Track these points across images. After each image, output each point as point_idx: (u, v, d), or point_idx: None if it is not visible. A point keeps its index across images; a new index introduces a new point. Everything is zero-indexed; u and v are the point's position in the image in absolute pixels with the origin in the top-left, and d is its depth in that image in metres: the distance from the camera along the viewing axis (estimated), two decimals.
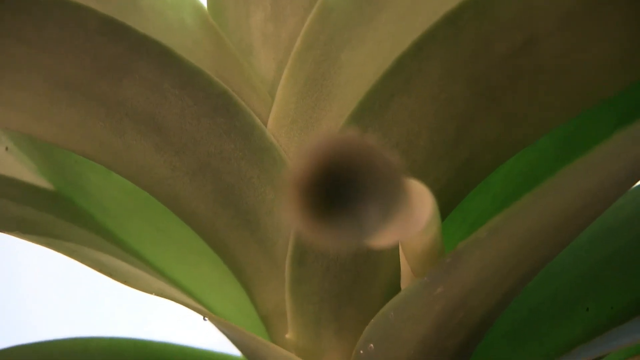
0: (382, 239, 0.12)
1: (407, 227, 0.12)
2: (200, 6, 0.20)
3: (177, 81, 0.18)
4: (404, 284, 0.17)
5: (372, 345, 0.19)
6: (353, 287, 0.19)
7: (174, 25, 0.20)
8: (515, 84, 0.17)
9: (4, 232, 0.20)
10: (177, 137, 0.20)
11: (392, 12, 0.17)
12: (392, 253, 0.18)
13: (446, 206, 0.18)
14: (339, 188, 0.08)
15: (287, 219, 0.19)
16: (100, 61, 0.18)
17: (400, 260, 0.17)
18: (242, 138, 0.18)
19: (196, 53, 0.20)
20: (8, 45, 0.18)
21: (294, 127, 0.18)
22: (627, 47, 0.15)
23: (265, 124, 0.19)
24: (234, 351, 0.24)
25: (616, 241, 0.21)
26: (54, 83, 0.19)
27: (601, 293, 0.21)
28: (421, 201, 0.12)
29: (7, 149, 0.25)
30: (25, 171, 0.25)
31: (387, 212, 0.09)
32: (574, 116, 0.17)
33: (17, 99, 0.20)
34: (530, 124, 0.17)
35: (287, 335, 0.20)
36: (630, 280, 0.21)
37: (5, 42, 0.18)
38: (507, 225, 0.15)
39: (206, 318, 0.19)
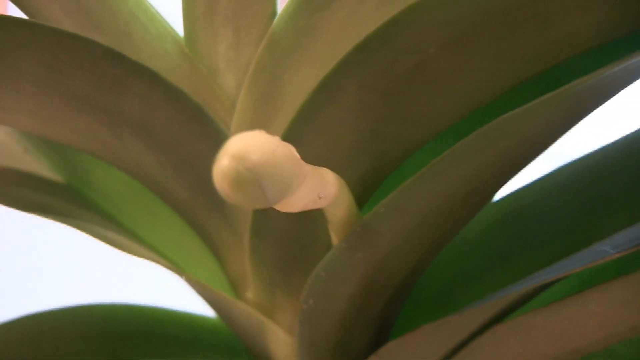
0: (296, 208, 0.15)
1: (317, 201, 0.16)
2: (178, 38, 0.22)
3: (163, 97, 0.20)
4: None
5: (312, 300, 0.20)
6: (298, 255, 0.21)
7: (159, 53, 0.21)
8: (414, 94, 0.19)
9: (28, 212, 0.23)
10: (163, 139, 0.21)
11: (323, 42, 0.20)
12: (327, 227, 0.20)
13: (367, 190, 0.20)
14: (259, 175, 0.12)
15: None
16: (104, 81, 0.20)
17: (330, 232, 0.19)
18: (212, 140, 0.21)
19: (176, 74, 0.22)
20: (29, 67, 0.20)
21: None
22: (493, 67, 0.18)
23: (229, 129, 0.21)
24: (210, 314, 0.26)
25: (518, 222, 0.24)
26: (66, 97, 0.20)
27: (507, 263, 0.24)
28: (327, 182, 0.16)
29: (26, 150, 0.27)
30: (42, 168, 0.26)
31: (290, 188, 0.13)
32: (464, 116, 0.19)
33: (36, 109, 0.21)
34: (429, 124, 0.19)
35: (248, 295, 0.22)
36: (530, 254, 0.23)
37: (28, 64, 0.19)
38: (400, 202, 0.17)
39: (184, 278, 0.21)
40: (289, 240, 0.21)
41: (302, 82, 0.20)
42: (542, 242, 0.23)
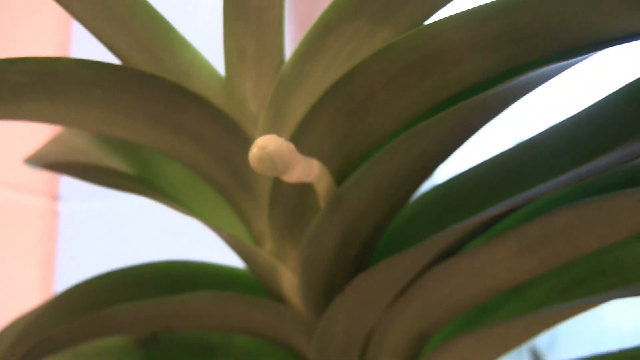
0: (294, 179, 0.22)
1: (307, 177, 0.24)
2: (220, 77, 0.27)
3: (210, 115, 0.25)
4: None
5: (308, 249, 0.25)
6: (299, 218, 0.27)
7: (207, 85, 0.26)
8: (368, 113, 0.24)
9: (115, 190, 0.30)
10: (210, 143, 0.26)
11: (312, 81, 0.25)
12: (317, 200, 0.26)
13: (343, 175, 0.26)
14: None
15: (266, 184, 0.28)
16: (171, 104, 0.25)
17: (319, 202, 0.26)
18: (243, 144, 0.26)
19: (219, 101, 0.26)
20: (125, 95, 0.25)
21: None
22: (416, 95, 0.25)
23: (254, 138, 0.26)
24: (239, 265, 0.30)
25: (450, 198, 0.30)
26: (147, 115, 0.26)
27: (441, 227, 0.29)
28: (313, 166, 0.24)
29: (106, 152, 0.33)
30: (119, 164, 0.32)
31: (290, 166, 0.22)
32: (404, 126, 0.25)
33: (126, 122, 0.26)
34: (379, 132, 0.25)
35: (266, 246, 0.28)
36: (459, 218, 0.29)
37: (125, 94, 0.24)
38: (359, 180, 0.24)
39: (224, 235, 0.27)
40: (294, 209, 0.27)
41: (299, 107, 0.25)
42: (468, 212, 0.29)
